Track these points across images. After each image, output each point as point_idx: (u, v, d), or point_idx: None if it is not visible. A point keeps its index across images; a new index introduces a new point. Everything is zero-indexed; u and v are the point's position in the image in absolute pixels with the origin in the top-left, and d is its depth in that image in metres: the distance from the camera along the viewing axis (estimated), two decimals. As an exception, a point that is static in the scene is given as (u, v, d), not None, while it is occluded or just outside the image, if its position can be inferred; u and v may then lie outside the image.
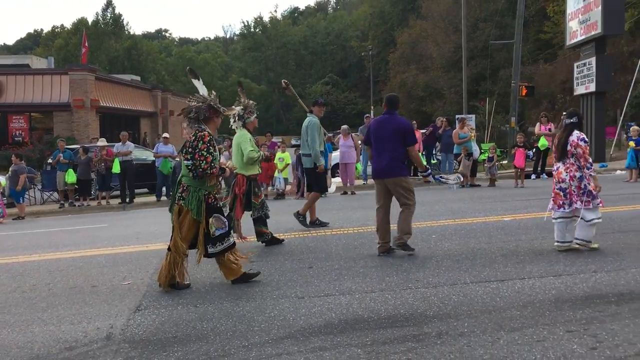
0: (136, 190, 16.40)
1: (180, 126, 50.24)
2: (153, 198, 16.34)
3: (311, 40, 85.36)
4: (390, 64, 60.60)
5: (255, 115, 7.51)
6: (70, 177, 15.52)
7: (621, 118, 22.61)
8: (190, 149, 5.30)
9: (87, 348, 4.03)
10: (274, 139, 18.73)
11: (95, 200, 16.14)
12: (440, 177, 8.35)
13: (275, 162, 14.97)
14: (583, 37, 20.76)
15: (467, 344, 3.69)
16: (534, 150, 16.67)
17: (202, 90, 5.72)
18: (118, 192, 16.39)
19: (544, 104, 37.07)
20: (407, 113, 47.03)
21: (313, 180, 8.95)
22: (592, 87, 19.90)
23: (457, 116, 20.63)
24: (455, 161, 17.00)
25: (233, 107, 7.31)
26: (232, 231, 5.94)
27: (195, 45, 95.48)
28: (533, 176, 16.33)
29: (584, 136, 6.40)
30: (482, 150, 17.94)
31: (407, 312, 4.42)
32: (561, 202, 6.28)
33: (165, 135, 17.56)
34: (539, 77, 38.17)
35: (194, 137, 5.35)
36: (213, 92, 5.78)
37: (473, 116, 27.06)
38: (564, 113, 6.85)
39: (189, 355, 3.81)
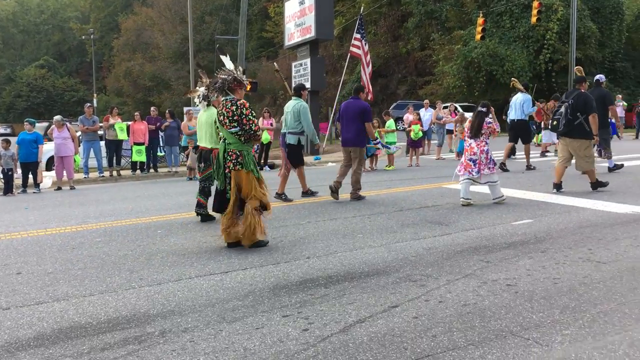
0: None
1: None
2: None
3: (22, 18, 76.54)
4: (115, 51, 57.77)
5: None
6: None
7: (332, 115, 25.13)
8: (235, 117, 5.98)
9: None
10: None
11: None
12: (384, 144, 11.93)
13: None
14: (300, 39, 22.52)
15: (190, 339, 3.71)
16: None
17: (229, 65, 6.34)
18: None
19: (267, 99, 39.40)
20: (133, 103, 45.19)
21: (293, 156, 9.72)
22: (307, 86, 21.70)
23: (185, 109, 20.61)
24: (182, 154, 17.02)
25: (196, 88, 7.97)
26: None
27: None
28: (257, 168, 17.18)
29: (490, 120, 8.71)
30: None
31: (129, 313, 4.25)
32: (470, 170, 8.39)
33: None
34: (262, 73, 40.41)
35: (234, 107, 5.99)
36: (239, 67, 6.44)
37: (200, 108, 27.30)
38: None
39: None
